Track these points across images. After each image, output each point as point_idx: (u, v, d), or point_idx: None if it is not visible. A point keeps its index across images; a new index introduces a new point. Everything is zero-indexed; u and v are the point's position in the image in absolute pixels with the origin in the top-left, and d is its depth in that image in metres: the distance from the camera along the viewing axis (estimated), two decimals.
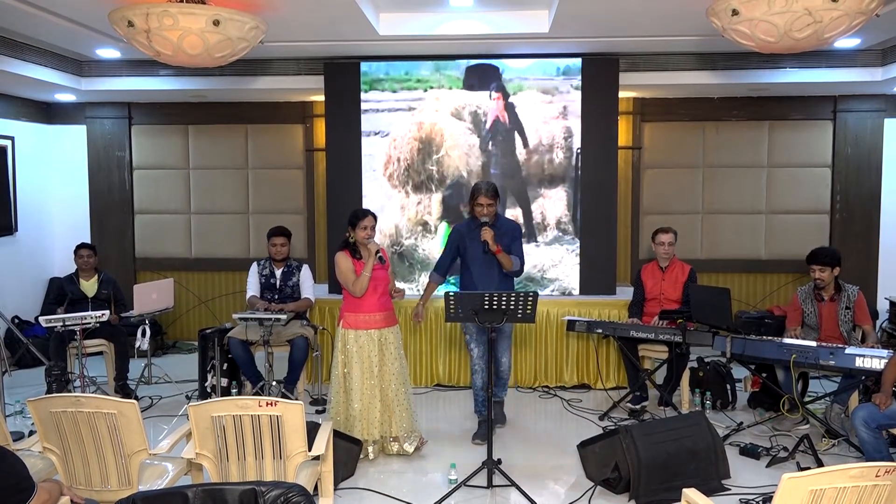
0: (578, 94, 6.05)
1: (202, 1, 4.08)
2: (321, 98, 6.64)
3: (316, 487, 3.34)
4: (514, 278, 4.86)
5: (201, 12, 3.85)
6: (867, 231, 7.04)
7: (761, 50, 3.95)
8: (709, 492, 3.63)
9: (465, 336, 4.86)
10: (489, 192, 4.53)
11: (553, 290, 6.14)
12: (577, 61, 6.05)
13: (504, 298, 3.89)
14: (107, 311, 5.30)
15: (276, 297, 5.50)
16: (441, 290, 4.68)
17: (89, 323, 5.11)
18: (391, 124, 6.17)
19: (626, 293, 5.98)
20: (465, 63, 6.09)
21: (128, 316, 5.71)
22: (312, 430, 3.21)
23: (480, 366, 4.74)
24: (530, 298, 3.93)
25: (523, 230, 5.69)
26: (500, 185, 5.11)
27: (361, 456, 4.24)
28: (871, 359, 4.18)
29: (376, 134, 6.17)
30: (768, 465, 4.21)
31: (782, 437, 4.62)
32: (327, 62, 6.22)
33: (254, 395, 5.14)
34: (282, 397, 4.27)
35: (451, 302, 3.95)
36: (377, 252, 4.24)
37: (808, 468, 3.61)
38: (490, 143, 6.15)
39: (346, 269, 4.31)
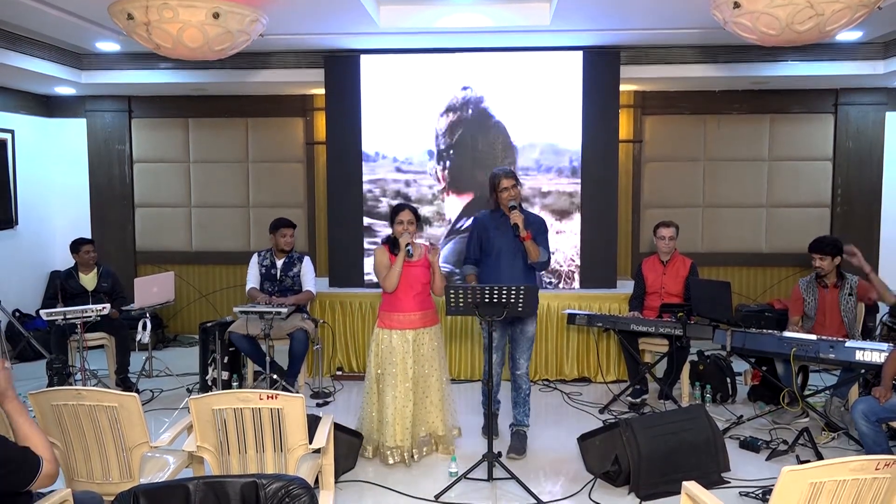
0: None
1: None
2: (321, 91, 6.62)
3: (317, 480, 3.35)
4: (539, 272, 4.63)
5: (201, 5, 3.84)
6: (868, 224, 7.02)
7: (763, 43, 3.94)
8: (709, 485, 3.64)
9: (483, 341, 4.62)
10: (510, 174, 4.36)
11: None
12: None
13: (504, 292, 3.88)
14: (108, 305, 5.31)
15: (276, 288, 5.51)
16: None
17: (90, 316, 5.12)
18: None
19: (626, 287, 5.97)
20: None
21: (128, 309, 5.72)
22: (313, 423, 3.22)
23: (497, 371, 4.42)
24: (531, 292, 3.92)
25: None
26: None
27: (391, 462, 4.14)
28: (871, 352, 4.18)
29: None
30: (768, 459, 4.22)
31: (782, 431, 4.63)
32: (327, 55, 6.20)
33: (271, 379, 5.15)
34: (283, 390, 4.28)
35: (452, 295, 3.93)
36: (406, 245, 4.12)
37: (808, 461, 3.62)
38: None
39: (380, 264, 4.21)
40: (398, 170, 6.20)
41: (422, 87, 6.14)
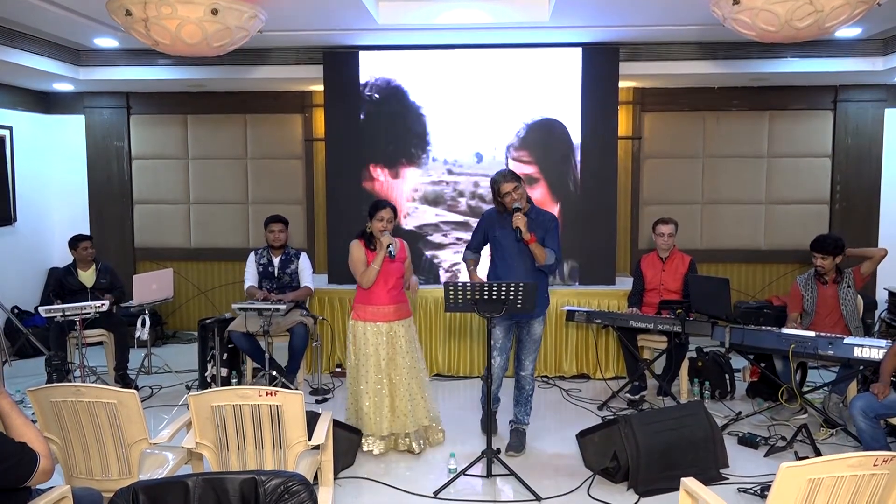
0: None
1: None
2: (320, 87, 6.62)
3: (316, 476, 3.35)
4: (548, 275, 4.40)
5: (199, 1, 3.83)
6: (867, 221, 7.03)
7: (762, 39, 3.93)
8: (707, 481, 3.65)
9: (488, 340, 4.38)
10: (509, 176, 4.15)
11: None
12: None
13: (503, 288, 3.87)
14: (106, 301, 5.30)
15: (274, 285, 5.50)
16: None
17: (89, 313, 5.12)
18: None
19: (625, 283, 5.98)
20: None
21: (128, 306, 5.71)
22: (312, 419, 3.22)
23: (499, 374, 4.38)
24: (531, 289, 3.91)
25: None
26: None
27: (373, 452, 4.19)
28: (869, 349, 4.18)
29: None
30: (766, 455, 4.23)
31: (780, 427, 4.64)
32: (326, 51, 6.19)
33: (271, 376, 5.15)
34: (282, 387, 4.28)
35: (451, 291, 3.92)
36: (388, 245, 4.15)
37: (806, 457, 3.62)
38: None
39: (357, 259, 4.23)
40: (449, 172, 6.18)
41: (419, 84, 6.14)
